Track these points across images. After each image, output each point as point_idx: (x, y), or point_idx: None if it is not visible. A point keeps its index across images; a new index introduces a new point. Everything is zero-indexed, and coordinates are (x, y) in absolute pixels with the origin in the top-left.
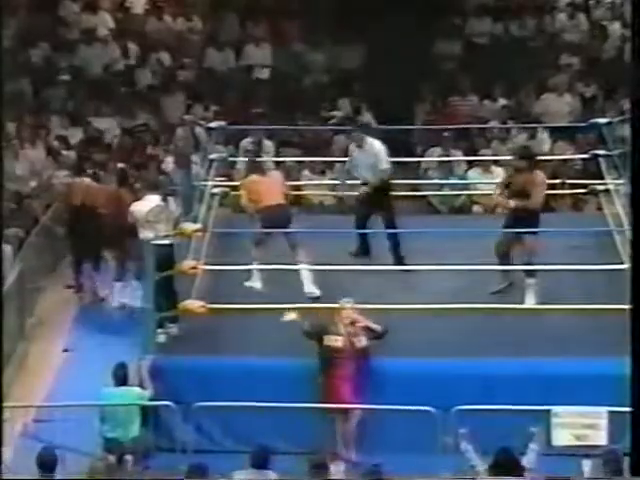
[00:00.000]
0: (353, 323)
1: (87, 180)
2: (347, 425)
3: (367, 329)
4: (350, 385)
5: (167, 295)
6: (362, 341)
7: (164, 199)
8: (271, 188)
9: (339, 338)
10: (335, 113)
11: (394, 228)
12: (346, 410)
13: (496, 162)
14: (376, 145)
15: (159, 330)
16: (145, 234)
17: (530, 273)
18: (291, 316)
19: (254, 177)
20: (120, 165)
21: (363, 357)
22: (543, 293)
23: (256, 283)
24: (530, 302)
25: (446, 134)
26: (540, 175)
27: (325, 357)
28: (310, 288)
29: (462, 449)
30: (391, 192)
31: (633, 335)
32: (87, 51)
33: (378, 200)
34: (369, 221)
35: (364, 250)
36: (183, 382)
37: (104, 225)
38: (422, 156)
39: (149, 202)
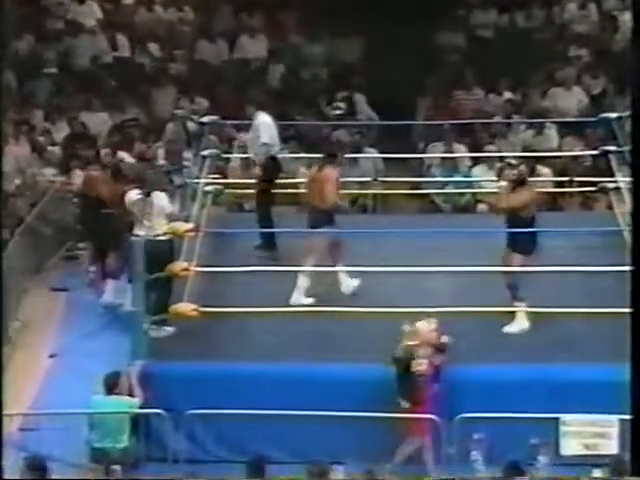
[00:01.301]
0: (428, 342)
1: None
2: (427, 439)
3: (437, 344)
4: (436, 403)
5: (161, 296)
6: (437, 358)
7: (148, 194)
8: (313, 187)
9: (423, 361)
10: (338, 104)
11: (267, 224)
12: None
13: (501, 159)
14: (260, 119)
15: (152, 326)
16: (135, 231)
17: (515, 295)
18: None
19: (313, 172)
20: (116, 159)
21: (438, 373)
22: (549, 295)
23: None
24: (520, 326)
25: (447, 127)
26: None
27: (411, 382)
28: (299, 299)
29: (472, 457)
30: (274, 179)
31: (633, 339)
32: (74, 42)
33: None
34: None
35: None
36: (174, 389)
37: (115, 220)
38: (424, 152)
39: (132, 196)
